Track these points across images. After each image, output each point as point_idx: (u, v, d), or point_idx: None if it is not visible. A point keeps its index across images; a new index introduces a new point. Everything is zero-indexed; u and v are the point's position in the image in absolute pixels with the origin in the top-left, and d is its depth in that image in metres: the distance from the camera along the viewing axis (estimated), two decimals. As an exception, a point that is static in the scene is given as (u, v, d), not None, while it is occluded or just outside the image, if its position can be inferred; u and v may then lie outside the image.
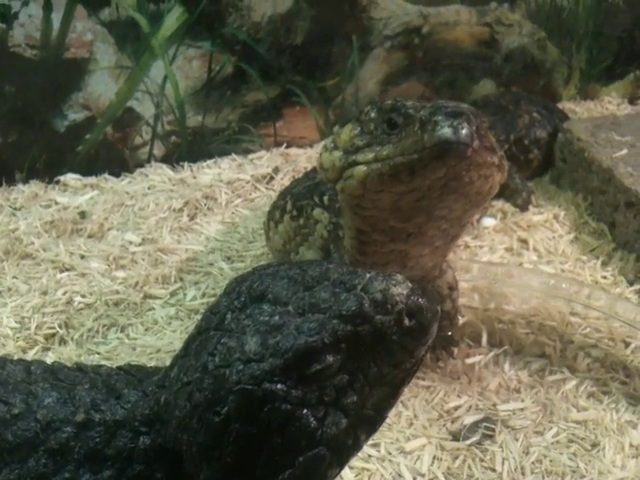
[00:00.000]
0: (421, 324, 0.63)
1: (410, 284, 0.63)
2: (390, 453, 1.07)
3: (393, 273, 0.64)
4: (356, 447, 0.64)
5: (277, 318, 0.62)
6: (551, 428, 1.13)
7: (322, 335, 0.60)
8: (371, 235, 0.97)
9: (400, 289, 0.62)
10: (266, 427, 0.59)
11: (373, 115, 0.90)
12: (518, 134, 1.75)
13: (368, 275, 0.64)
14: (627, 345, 1.25)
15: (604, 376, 1.22)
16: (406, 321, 0.62)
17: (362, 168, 0.87)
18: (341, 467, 0.64)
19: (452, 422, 1.14)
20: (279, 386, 0.59)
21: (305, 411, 0.60)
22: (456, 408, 1.16)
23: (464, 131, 0.81)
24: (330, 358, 0.60)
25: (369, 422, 0.65)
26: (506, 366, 1.24)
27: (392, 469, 1.05)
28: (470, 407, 1.16)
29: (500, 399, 1.18)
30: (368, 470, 1.04)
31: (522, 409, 1.16)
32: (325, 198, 1.14)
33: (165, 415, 0.66)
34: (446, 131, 0.80)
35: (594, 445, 1.10)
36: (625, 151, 1.58)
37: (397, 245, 0.97)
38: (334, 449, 0.62)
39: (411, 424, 1.13)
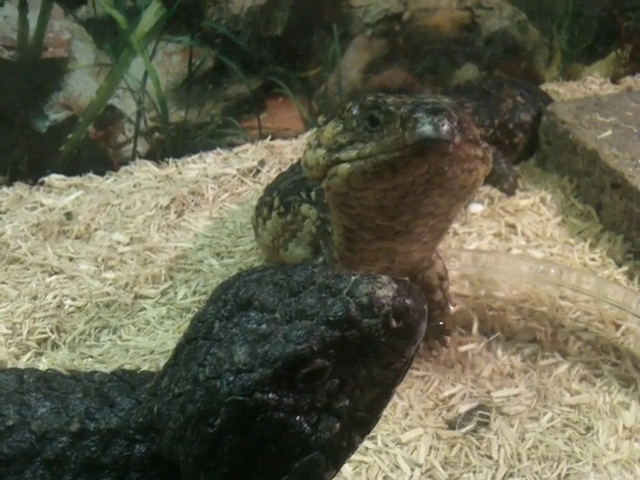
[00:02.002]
0: (409, 325, 0.63)
1: (396, 285, 0.63)
2: (387, 445, 1.08)
3: (378, 275, 0.64)
4: (351, 448, 0.65)
5: (265, 326, 0.61)
6: (545, 413, 1.14)
7: (310, 342, 0.59)
8: (358, 233, 0.97)
9: (386, 291, 0.62)
10: (260, 436, 0.59)
11: (355, 112, 0.90)
12: (502, 118, 1.75)
13: (353, 278, 0.63)
14: (617, 327, 1.27)
15: (595, 359, 1.23)
16: (393, 323, 0.62)
17: (345, 166, 0.87)
18: (337, 469, 0.64)
19: (447, 411, 1.15)
20: (270, 395, 0.59)
21: (298, 418, 0.60)
22: (451, 397, 1.17)
23: (445, 127, 0.80)
24: (320, 364, 0.60)
25: (362, 423, 0.65)
26: (498, 352, 1.25)
27: (389, 461, 1.06)
28: (465, 395, 1.17)
29: (494, 386, 1.19)
30: (366, 463, 1.05)
31: (516, 395, 1.17)
32: (312, 194, 1.14)
33: (159, 425, 0.66)
34: (427, 128, 0.80)
35: (588, 429, 1.11)
36: (609, 132, 1.59)
37: (385, 243, 0.97)
38: (329, 453, 0.62)
39: (407, 415, 1.14)
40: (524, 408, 1.15)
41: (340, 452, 0.64)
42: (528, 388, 1.18)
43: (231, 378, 0.60)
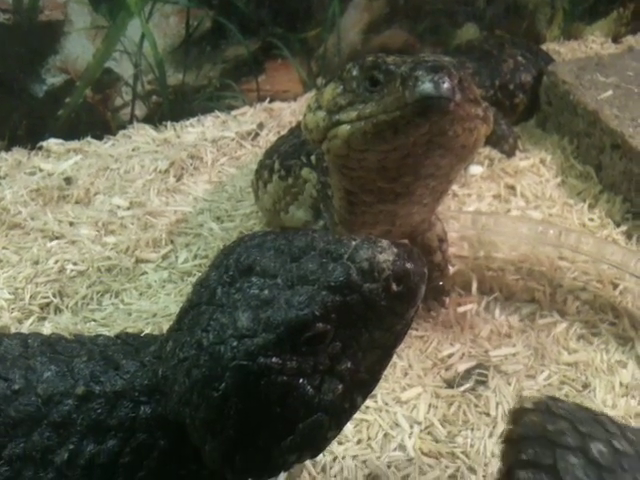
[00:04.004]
0: (409, 288, 0.64)
1: (396, 249, 0.63)
2: (387, 404, 1.10)
3: (378, 239, 0.64)
4: (353, 409, 0.66)
5: (267, 292, 0.62)
6: (543, 371, 1.15)
7: (312, 307, 0.60)
8: (359, 196, 0.97)
9: (386, 255, 0.63)
10: (265, 399, 0.60)
11: (355, 73, 0.89)
12: (503, 79, 1.74)
13: (354, 243, 0.64)
14: (615, 287, 1.27)
15: (593, 318, 1.25)
16: (394, 287, 0.63)
17: (346, 127, 0.86)
18: (340, 429, 0.66)
19: (446, 370, 1.16)
20: (274, 359, 0.60)
21: (301, 381, 0.61)
22: (449, 356, 1.18)
23: (445, 85, 0.79)
24: (321, 329, 0.61)
25: (364, 385, 0.66)
26: (497, 312, 1.26)
27: (389, 419, 1.08)
28: (463, 355, 1.19)
29: (492, 345, 1.20)
30: (366, 421, 1.07)
31: (514, 354, 1.19)
32: (312, 158, 1.13)
33: (164, 387, 0.67)
34: (427, 86, 0.79)
35: (585, 386, 1.13)
36: (610, 92, 1.58)
37: (386, 205, 0.97)
38: (332, 413, 0.63)
39: (406, 374, 1.15)
40: (522, 367, 1.16)
41: (343, 413, 0.65)
42: (526, 347, 1.20)
43: (235, 343, 0.60)
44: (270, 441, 0.62)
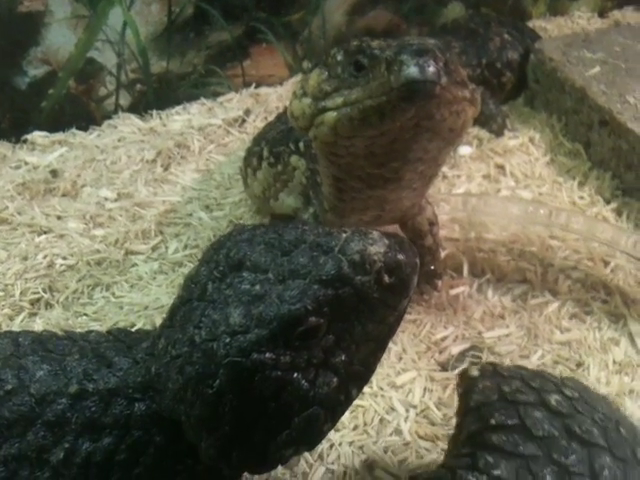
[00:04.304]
0: (401, 279, 0.63)
1: (387, 241, 0.63)
2: (382, 388, 1.10)
3: (369, 231, 0.64)
4: (348, 402, 0.66)
5: (258, 287, 0.62)
6: (536, 351, 1.16)
7: (304, 302, 0.60)
8: (348, 182, 0.96)
9: (377, 247, 0.62)
10: (259, 395, 0.60)
11: (339, 58, 0.88)
12: (490, 58, 1.73)
13: (344, 235, 0.63)
14: (606, 264, 1.28)
15: (585, 296, 1.25)
16: (386, 278, 0.62)
17: (332, 114, 0.85)
18: (335, 421, 0.66)
19: (440, 353, 1.16)
20: (267, 355, 0.59)
21: (295, 375, 0.60)
22: (443, 339, 1.19)
23: (431, 69, 0.78)
24: (314, 323, 0.60)
25: (359, 377, 0.66)
26: (489, 294, 1.26)
27: (385, 404, 1.08)
28: (457, 337, 1.19)
29: (485, 327, 1.20)
30: (362, 406, 1.07)
31: (507, 335, 1.19)
32: (301, 144, 1.12)
33: (157, 385, 0.66)
34: (412, 70, 0.78)
35: (579, 364, 1.14)
36: (597, 69, 1.57)
37: (375, 191, 0.97)
38: (327, 407, 0.63)
39: (400, 358, 1.15)
40: (515, 347, 1.17)
41: (338, 405, 0.65)
42: (519, 327, 1.20)
43: (227, 340, 0.60)
44: (266, 436, 0.62)
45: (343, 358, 0.63)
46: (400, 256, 0.63)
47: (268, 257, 0.63)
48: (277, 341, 0.60)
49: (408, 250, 0.64)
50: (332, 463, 0.99)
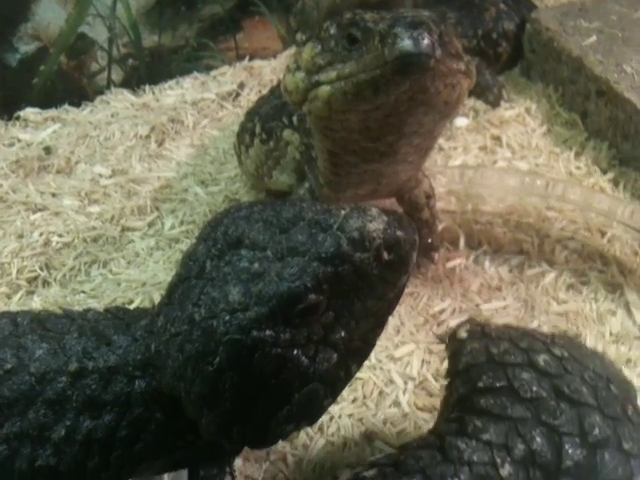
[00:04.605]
0: (400, 256, 0.63)
1: (386, 217, 0.63)
2: (380, 361, 1.11)
3: (368, 208, 0.63)
4: (348, 377, 0.66)
5: (257, 265, 0.61)
6: (533, 322, 1.16)
7: (303, 280, 0.60)
8: (343, 157, 0.96)
9: (376, 224, 0.62)
10: (260, 371, 0.60)
11: (333, 31, 0.86)
12: (486, 28, 1.71)
13: (343, 212, 0.63)
14: (603, 234, 1.28)
15: (582, 267, 1.25)
16: (385, 255, 0.62)
17: (326, 88, 0.84)
18: (335, 396, 0.66)
19: (438, 325, 1.17)
20: (267, 332, 0.59)
21: (295, 352, 0.61)
22: (441, 312, 1.19)
23: (425, 41, 0.77)
24: (314, 300, 0.60)
25: (358, 353, 0.66)
26: (486, 266, 1.27)
27: (383, 376, 1.09)
28: (454, 309, 1.19)
29: (482, 299, 1.21)
30: (361, 379, 1.08)
31: (504, 307, 1.20)
32: (294, 118, 1.11)
33: (157, 362, 0.66)
34: (406, 43, 0.77)
35: (576, 336, 1.14)
36: (594, 38, 1.55)
37: (371, 165, 0.96)
38: (327, 382, 0.63)
39: (398, 331, 1.16)
40: (512, 319, 1.17)
41: (338, 381, 0.65)
42: (516, 299, 1.21)
43: (227, 318, 0.60)
44: (267, 412, 0.62)
45: (342, 334, 0.63)
46: (399, 233, 0.63)
47: (266, 235, 0.63)
48: (277, 318, 0.60)
49: (407, 227, 0.64)
50: (332, 435, 1.00)
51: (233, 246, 0.64)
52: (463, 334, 0.86)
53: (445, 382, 1.04)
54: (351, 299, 0.63)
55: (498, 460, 0.70)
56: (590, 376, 0.79)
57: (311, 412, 0.65)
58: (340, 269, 0.61)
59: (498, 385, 0.76)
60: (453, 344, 0.87)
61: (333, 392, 0.65)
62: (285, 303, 0.60)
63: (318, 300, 0.61)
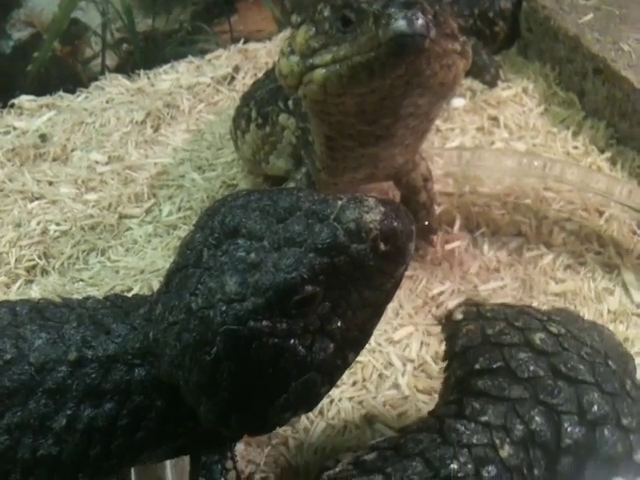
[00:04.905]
0: (397, 247, 0.63)
1: (383, 208, 0.62)
2: (380, 344, 1.11)
3: (365, 198, 0.63)
4: (345, 365, 0.66)
5: (254, 255, 0.61)
6: (531, 303, 1.16)
7: (300, 271, 0.59)
8: (340, 141, 0.95)
9: (373, 215, 0.61)
10: (257, 361, 0.60)
11: (326, 14, 0.85)
12: (482, 7, 1.69)
13: (340, 203, 0.63)
14: (601, 215, 1.28)
15: (579, 248, 1.25)
16: (382, 246, 0.62)
17: (321, 71, 0.83)
18: (332, 384, 0.66)
19: (436, 308, 1.17)
20: (264, 323, 0.59)
21: (292, 341, 0.61)
22: (439, 294, 1.19)
23: (419, 22, 0.76)
24: (310, 291, 0.60)
25: (355, 342, 0.66)
26: (484, 248, 1.27)
27: (383, 359, 1.09)
28: (453, 292, 1.20)
29: (481, 280, 1.21)
30: (361, 363, 1.08)
31: (502, 287, 1.20)
32: (290, 103, 1.10)
33: (156, 350, 0.67)
34: (400, 24, 0.76)
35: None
36: (591, 15, 1.54)
37: (367, 149, 0.96)
38: (324, 371, 0.63)
39: (397, 314, 1.16)
40: (510, 299, 1.17)
41: (335, 369, 0.65)
42: (514, 280, 1.21)
43: (224, 308, 0.60)
44: (264, 400, 0.62)
45: (339, 324, 0.63)
46: (396, 223, 0.62)
47: (263, 224, 0.63)
48: (273, 309, 0.60)
49: (404, 217, 0.63)
50: (332, 418, 1.01)
51: (230, 235, 0.64)
52: (459, 315, 0.86)
53: (443, 365, 1.06)
54: (348, 289, 0.63)
55: (497, 441, 0.71)
56: (588, 352, 0.79)
57: (308, 400, 0.65)
58: (337, 260, 0.61)
59: (495, 366, 0.77)
60: (449, 326, 0.87)
61: (330, 380, 0.65)
62: (282, 294, 0.59)
63: (314, 291, 0.60)
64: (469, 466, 0.69)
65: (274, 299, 0.59)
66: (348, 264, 0.61)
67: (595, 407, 0.74)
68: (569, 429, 0.72)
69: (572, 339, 0.80)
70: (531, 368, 0.76)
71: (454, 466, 0.69)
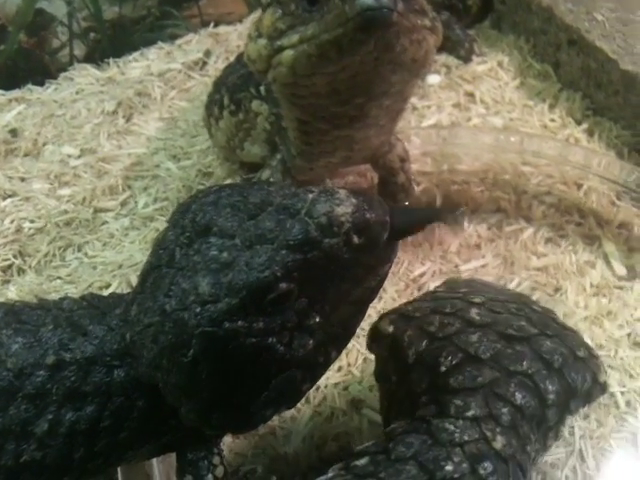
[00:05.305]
0: (371, 239, 0.62)
1: (354, 200, 0.61)
2: (364, 329, 1.08)
3: (336, 190, 0.62)
4: (327, 362, 0.66)
5: (226, 254, 0.60)
6: (513, 279, 1.17)
7: (273, 269, 0.58)
8: (313, 124, 0.94)
9: (344, 208, 0.60)
10: (235, 361, 0.60)
11: None
12: (454, -19, 1.68)
13: (310, 196, 0.61)
14: (579, 187, 1.28)
15: (559, 220, 1.25)
16: (355, 239, 0.61)
17: (289, 53, 0.82)
18: (315, 381, 0.66)
19: (419, 290, 1.17)
20: (239, 323, 0.58)
21: (270, 340, 0.60)
22: (421, 275, 1.19)
23: None
24: (285, 288, 0.59)
25: (337, 339, 0.66)
26: (464, 226, 1.26)
27: (367, 343, 1.08)
28: (434, 272, 1.19)
29: (462, 259, 1.21)
30: (345, 348, 1.06)
31: (483, 266, 1.20)
32: (262, 88, 1.08)
33: (134, 351, 0.66)
34: None
35: (557, 289, 1.15)
36: (563, -15, 1.53)
37: (342, 131, 0.94)
38: (305, 368, 0.63)
39: (380, 298, 1.15)
40: (492, 277, 1.17)
41: (316, 366, 0.65)
42: (495, 257, 1.20)
43: (198, 310, 0.59)
44: (245, 399, 0.62)
45: (317, 320, 0.62)
46: (369, 215, 0.61)
47: (235, 222, 0.62)
48: (248, 309, 0.59)
49: (377, 208, 0.62)
50: (319, 405, 1.01)
51: (202, 233, 0.63)
52: (389, 328, 0.82)
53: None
54: (324, 284, 0.62)
55: (488, 434, 0.69)
56: (515, 308, 0.79)
57: (289, 397, 0.65)
58: (310, 256, 0.60)
59: (458, 359, 0.75)
60: (383, 343, 0.84)
61: (312, 377, 0.65)
62: (256, 293, 0.58)
63: (289, 288, 0.59)
64: (464, 465, 0.67)
65: (248, 299, 0.58)
66: (322, 259, 0.60)
67: (554, 355, 0.74)
68: (549, 387, 0.72)
69: (493, 301, 0.80)
70: (488, 345, 0.74)
71: (449, 467, 0.66)
